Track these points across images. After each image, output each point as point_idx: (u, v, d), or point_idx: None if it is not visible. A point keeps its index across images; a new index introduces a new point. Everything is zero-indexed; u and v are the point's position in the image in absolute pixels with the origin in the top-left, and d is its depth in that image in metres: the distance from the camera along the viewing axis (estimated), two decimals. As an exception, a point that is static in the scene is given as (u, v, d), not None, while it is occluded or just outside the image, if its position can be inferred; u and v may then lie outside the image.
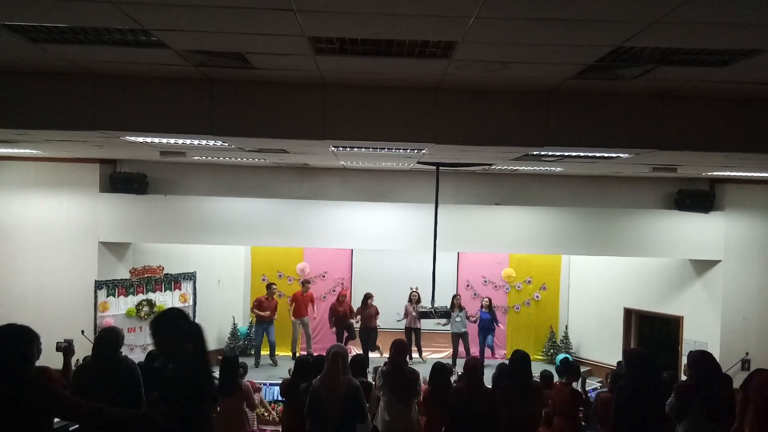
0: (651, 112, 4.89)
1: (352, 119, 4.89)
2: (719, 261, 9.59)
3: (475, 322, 10.82)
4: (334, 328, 10.63)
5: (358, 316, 10.54)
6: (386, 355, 9.81)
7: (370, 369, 7.33)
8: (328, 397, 4.70)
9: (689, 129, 4.94)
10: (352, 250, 11.61)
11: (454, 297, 10.81)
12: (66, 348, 4.84)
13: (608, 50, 3.52)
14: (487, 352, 10.75)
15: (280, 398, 8.01)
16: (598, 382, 9.96)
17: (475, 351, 10.62)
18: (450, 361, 10.24)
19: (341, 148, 5.82)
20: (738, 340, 9.48)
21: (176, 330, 3.37)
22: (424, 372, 6.55)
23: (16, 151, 7.91)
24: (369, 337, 10.47)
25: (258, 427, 8.11)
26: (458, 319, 10.61)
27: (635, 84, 4.41)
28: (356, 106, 4.87)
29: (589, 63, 3.85)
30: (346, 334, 10.53)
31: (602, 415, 5.88)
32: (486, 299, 11.03)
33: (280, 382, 7.04)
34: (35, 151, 8.00)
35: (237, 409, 5.77)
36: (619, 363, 9.03)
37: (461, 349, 10.65)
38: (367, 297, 10.57)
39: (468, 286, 11.78)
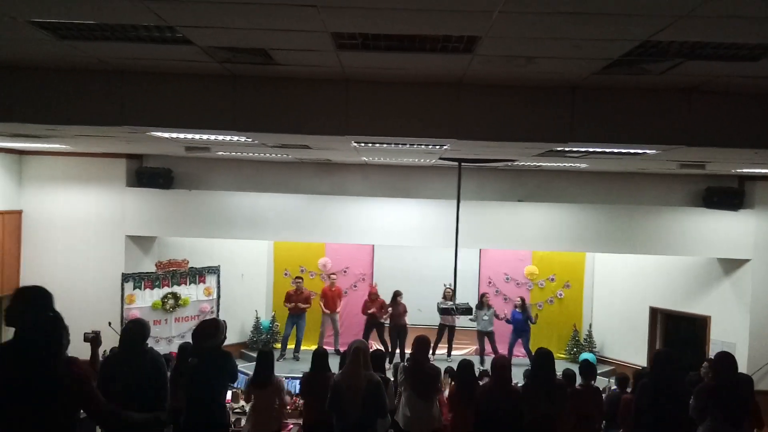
0: (678, 108, 4.79)
1: (373, 115, 4.89)
2: (748, 260, 9.38)
3: (504, 320, 10.71)
4: (366, 317, 10.72)
5: (389, 311, 10.57)
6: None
7: (389, 366, 7.34)
8: (349, 391, 4.73)
9: (718, 125, 4.83)
10: (373, 246, 11.64)
11: (482, 295, 10.78)
12: (93, 339, 4.94)
13: (635, 45, 3.46)
14: (520, 351, 10.63)
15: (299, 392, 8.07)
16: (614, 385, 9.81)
17: (503, 349, 10.56)
18: (472, 359, 10.20)
19: (363, 144, 5.83)
20: (767, 341, 9.27)
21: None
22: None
23: (45, 145, 8.09)
24: (399, 334, 10.51)
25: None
26: (486, 317, 10.57)
27: (662, 79, 4.33)
28: (378, 102, 4.87)
29: (615, 58, 3.79)
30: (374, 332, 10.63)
31: (625, 416, 5.80)
32: (519, 299, 10.89)
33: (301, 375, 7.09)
34: (64, 146, 8.17)
35: (270, 401, 5.81)
36: (643, 368, 8.90)
37: (488, 347, 10.59)
38: (396, 294, 10.62)
39: (490, 283, 11.71)
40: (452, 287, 10.43)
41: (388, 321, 10.65)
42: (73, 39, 3.79)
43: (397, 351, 10.44)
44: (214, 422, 4.92)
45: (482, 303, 10.65)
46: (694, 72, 4.11)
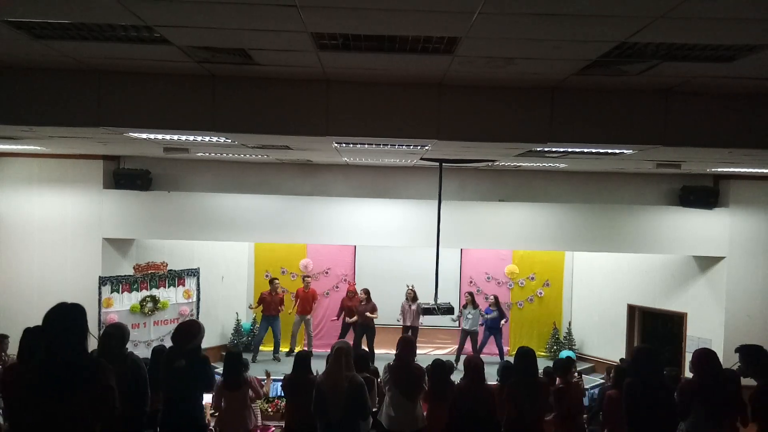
0: (655, 108, 4.87)
1: (354, 115, 4.89)
2: (723, 257, 9.57)
3: (483, 324, 10.78)
4: (336, 319, 10.76)
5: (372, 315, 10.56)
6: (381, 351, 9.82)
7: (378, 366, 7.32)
8: (330, 392, 4.71)
9: (693, 125, 4.92)
10: (355, 247, 11.62)
11: (469, 294, 10.83)
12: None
13: (612, 46, 3.51)
14: (494, 349, 10.71)
15: (281, 394, 8.03)
16: (601, 378, 9.94)
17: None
18: (451, 358, 10.24)
19: (344, 144, 5.82)
20: (742, 337, 9.35)
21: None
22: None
23: (20, 147, 7.93)
24: (367, 334, 10.47)
25: (262, 423, 8.14)
26: (470, 316, 10.59)
27: (639, 80, 4.39)
28: (359, 102, 4.87)
29: (594, 59, 3.84)
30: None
31: (609, 413, 5.83)
32: (492, 296, 10.99)
33: (282, 377, 7.06)
34: (39, 148, 8.02)
35: (241, 403, 5.79)
36: (622, 359, 9.01)
37: (467, 346, 10.62)
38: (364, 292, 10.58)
39: (471, 282, 11.76)
40: (413, 288, 10.47)
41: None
42: (49, 38, 3.72)
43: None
44: (192, 423, 4.87)
45: (468, 302, 10.69)
46: (670, 73, 4.18)
